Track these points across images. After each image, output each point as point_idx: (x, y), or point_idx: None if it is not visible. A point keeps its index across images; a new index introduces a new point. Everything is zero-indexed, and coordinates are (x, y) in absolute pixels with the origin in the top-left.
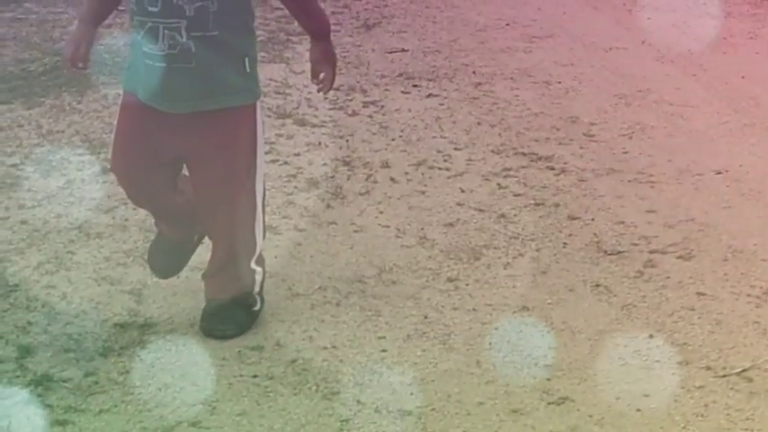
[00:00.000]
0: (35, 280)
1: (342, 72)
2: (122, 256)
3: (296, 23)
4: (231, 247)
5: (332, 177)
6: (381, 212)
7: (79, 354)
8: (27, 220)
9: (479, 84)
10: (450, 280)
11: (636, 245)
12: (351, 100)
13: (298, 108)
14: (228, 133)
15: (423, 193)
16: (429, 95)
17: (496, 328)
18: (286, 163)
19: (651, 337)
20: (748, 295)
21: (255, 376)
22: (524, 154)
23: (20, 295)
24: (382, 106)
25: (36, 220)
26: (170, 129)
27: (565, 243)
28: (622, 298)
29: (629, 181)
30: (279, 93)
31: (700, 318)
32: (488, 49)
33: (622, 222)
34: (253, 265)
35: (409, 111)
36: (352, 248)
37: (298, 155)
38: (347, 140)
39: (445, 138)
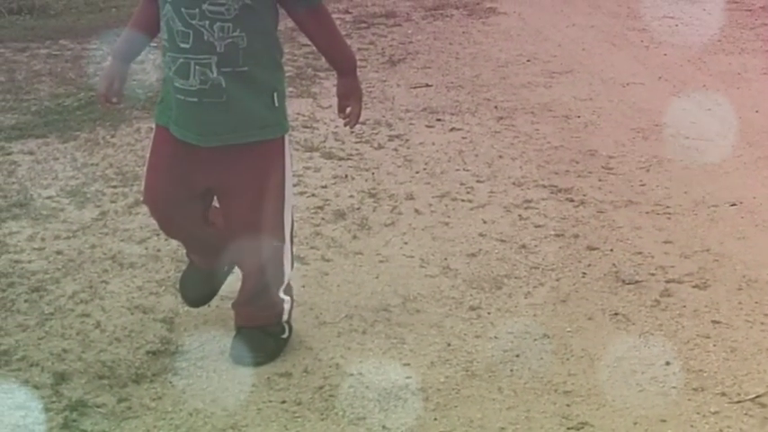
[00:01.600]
0: (70, 308)
1: (367, 106)
2: (155, 286)
3: (323, 59)
4: (261, 277)
5: (358, 209)
6: (406, 243)
7: (113, 380)
8: (62, 250)
9: (501, 118)
10: (472, 308)
11: (653, 274)
12: (376, 134)
13: (325, 141)
14: (258, 166)
15: (446, 224)
16: (452, 129)
17: (517, 356)
18: (313, 195)
19: (668, 363)
20: (762, 323)
21: (284, 402)
22: (545, 186)
23: (55, 323)
24: (407, 140)
25: (71, 250)
26: (201, 162)
27: (584, 273)
28: (640, 326)
29: (647, 212)
30: (306, 127)
31: (715, 345)
32: (510, 85)
33: (640, 253)
34: (281, 295)
35: (433, 144)
36: (377, 278)
37: (325, 187)
38: (373, 173)
39: (468, 170)
